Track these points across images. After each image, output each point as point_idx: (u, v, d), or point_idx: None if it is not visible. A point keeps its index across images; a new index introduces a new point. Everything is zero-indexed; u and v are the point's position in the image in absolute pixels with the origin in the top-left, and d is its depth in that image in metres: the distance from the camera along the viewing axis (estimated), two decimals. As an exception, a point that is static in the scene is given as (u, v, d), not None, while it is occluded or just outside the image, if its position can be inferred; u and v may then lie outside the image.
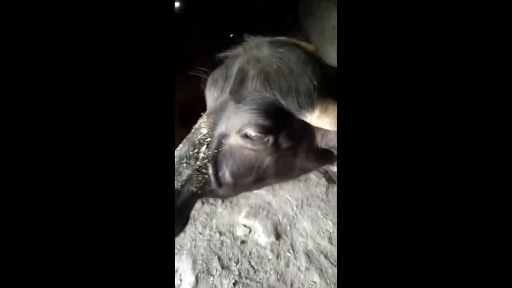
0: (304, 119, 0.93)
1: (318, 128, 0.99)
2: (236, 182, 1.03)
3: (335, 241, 2.18)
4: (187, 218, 1.10)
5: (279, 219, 2.31)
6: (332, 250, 2.15)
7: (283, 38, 1.00)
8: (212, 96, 1.04)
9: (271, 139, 0.94)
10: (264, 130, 0.92)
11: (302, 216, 2.32)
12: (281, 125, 0.93)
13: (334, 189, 2.45)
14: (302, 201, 2.40)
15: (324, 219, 2.31)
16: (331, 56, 0.97)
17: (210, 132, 1.00)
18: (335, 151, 1.04)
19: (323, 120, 0.91)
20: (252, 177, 1.03)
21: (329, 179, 2.50)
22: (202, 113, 1.05)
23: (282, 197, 2.38)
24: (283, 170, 1.07)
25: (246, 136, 0.94)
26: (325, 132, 1.00)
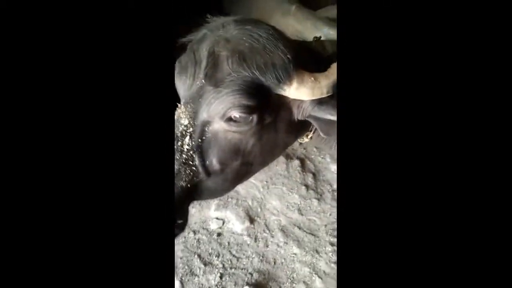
0: (283, 92, 0.96)
1: (293, 101, 1.04)
2: (224, 168, 1.02)
3: (304, 211, 2.31)
4: (185, 221, 1.05)
5: (249, 204, 2.33)
6: (303, 220, 2.27)
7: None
8: (184, 85, 0.99)
9: (255, 118, 0.95)
10: (249, 110, 0.93)
11: (270, 196, 2.39)
12: (262, 102, 0.95)
13: (293, 163, 2.57)
14: (267, 182, 2.46)
15: (290, 193, 2.41)
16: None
17: (191, 122, 0.97)
18: (310, 119, 1.09)
19: (300, 91, 0.96)
20: (239, 161, 1.03)
21: (286, 156, 2.61)
22: (177, 103, 0.99)
23: (248, 182, 2.40)
24: (266, 148, 1.09)
25: (230, 120, 0.94)
26: (300, 103, 1.05)
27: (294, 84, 0.94)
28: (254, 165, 1.10)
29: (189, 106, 0.97)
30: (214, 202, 2.29)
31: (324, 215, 2.28)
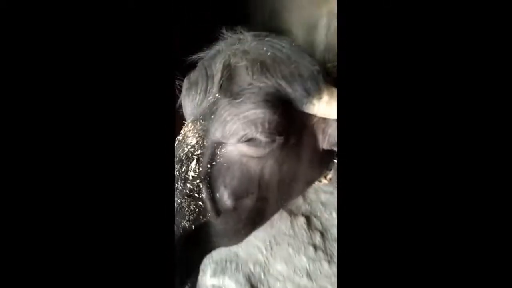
0: (311, 108, 0.83)
1: (318, 124, 0.91)
2: (237, 205, 0.82)
3: (314, 276, 1.99)
4: (195, 276, 0.82)
5: (250, 269, 2.00)
6: (314, 286, 1.94)
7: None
8: (193, 101, 0.86)
9: (281, 140, 0.79)
10: (276, 130, 0.77)
11: (274, 259, 2.08)
12: (290, 120, 0.80)
13: (298, 221, 2.32)
14: (270, 242, 2.17)
15: (296, 255, 2.11)
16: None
17: (200, 142, 0.80)
18: (335, 148, 0.95)
19: (332, 106, 0.82)
20: (254, 196, 0.84)
21: (290, 212, 2.37)
22: (184, 121, 0.84)
23: (249, 243, 2.11)
24: (286, 180, 0.90)
25: (250, 141, 0.78)
26: (325, 127, 0.92)
27: (325, 97, 0.81)
28: (269, 202, 0.90)
29: (198, 123, 0.80)
30: (210, 267, 1.96)
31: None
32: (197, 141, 0.79)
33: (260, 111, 0.75)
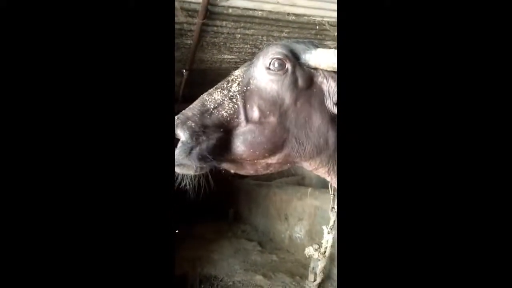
0: (310, 56, 1.14)
1: (323, 82, 1.16)
2: (262, 119, 1.09)
3: None
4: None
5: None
6: None
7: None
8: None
9: (289, 67, 1.12)
10: (284, 57, 1.12)
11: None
12: (294, 58, 1.14)
13: None
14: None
15: None
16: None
17: (241, 74, 1.18)
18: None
19: (326, 56, 1.09)
20: (276, 118, 1.10)
21: None
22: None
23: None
24: (301, 119, 1.13)
25: (268, 68, 1.13)
26: (329, 87, 1.15)
27: (319, 50, 1.14)
28: (289, 133, 1.12)
29: (244, 67, 1.23)
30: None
31: None
32: (239, 73, 1.20)
33: (277, 48, 1.16)
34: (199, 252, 4.29)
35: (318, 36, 3.68)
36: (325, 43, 3.90)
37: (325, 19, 3.27)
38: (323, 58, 1.12)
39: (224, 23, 3.06)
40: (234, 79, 1.18)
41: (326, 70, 1.15)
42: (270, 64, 1.13)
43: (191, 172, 1.07)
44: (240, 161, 1.14)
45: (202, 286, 3.34)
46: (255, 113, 1.10)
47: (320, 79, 1.17)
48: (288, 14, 3.06)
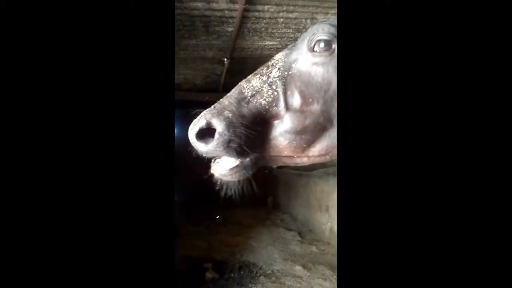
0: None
1: None
2: (303, 107, 1.00)
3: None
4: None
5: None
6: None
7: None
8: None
9: (335, 48, 1.01)
10: (331, 35, 1.01)
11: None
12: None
13: None
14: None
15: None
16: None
17: (282, 58, 1.08)
18: None
19: None
20: (320, 105, 1.00)
21: None
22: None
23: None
24: None
25: (313, 49, 1.03)
26: None
27: None
28: (332, 125, 1.03)
29: (287, 50, 1.12)
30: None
31: None
32: (280, 57, 1.10)
33: (321, 25, 1.05)
34: (237, 238, 4.36)
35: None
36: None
37: None
38: None
39: (266, 7, 2.95)
40: (274, 64, 1.08)
41: None
42: (314, 45, 1.02)
43: (231, 177, 1.01)
44: (278, 154, 1.06)
45: (242, 272, 3.39)
46: (296, 100, 1.00)
47: None
48: (334, -6, 2.85)
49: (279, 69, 1.06)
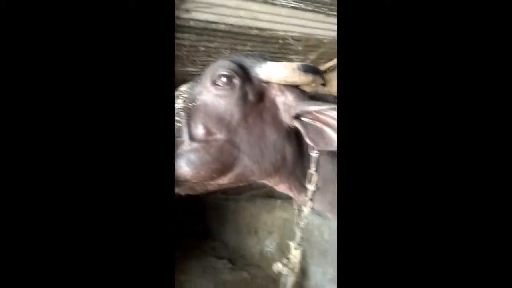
0: (260, 70, 1.09)
1: (277, 96, 1.11)
2: (207, 137, 1.02)
3: None
4: None
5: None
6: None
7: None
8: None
9: (237, 82, 1.06)
10: (231, 72, 1.06)
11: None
12: (243, 72, 1.09)
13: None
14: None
15: None
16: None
17: (187, 90, 1.11)
18: (297, 125, 1.06)
19: (274, 68, 1.06)
20: (223, 135, 1.03)
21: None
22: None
23: None
24: (254, 135, 1.06)
25: (215, 83, 1.07)
26: (285, 99, 1.09)
27: (269, 63, 1.08)
28: (240, 151, 1.05)
29: (192, 82, 1.16)
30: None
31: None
32: (185, 89, 1.13)
33: (223, 61, 1.12)
34: (165, 274, 4.03)
35: (282, 50, 3.75)
36: (289, 57, 4.00)
37: (288, 34, 3.34)
38: (274, 72, 1.08)
39: (186, 35, 3.01)
40: (179, 95, 1.11)
41: (281, 84, 1.10)
42: (217, 79, 1.07)
43: None
44: (186, 183, 1.06)
45: (168, 311, 3.12)
46: (199, 131, 1.03)
47: (274, 92, 1.11)
48: (251, 28, 3.08)
49: (184, 100, 1.09)
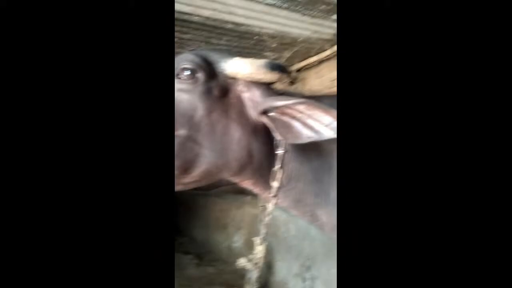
0: (225, 65, 1.07)
1: (243, 91, 1.09)
2: None
3: None
4: None
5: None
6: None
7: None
8: None
9: (200, 76, 1.04)
10: (194, 65, 1.03)
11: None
12: (207, 66, 1.06)
13: None
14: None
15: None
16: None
17: None
18: (265, 120, 1.05)
19: (239, 63, 1.05)
20: (186, 131, 1.00)
21: None
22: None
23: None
24: (217, 132, 1.04)
25: (178, 77, 1.04)
26: (252, 95, 1.08)
27: (235, 59, 1.07)
28: (203, 148, 1.02)
29: None
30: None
31: None
32: None
33: (187, 54, 1.08)
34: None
35: (257, 46, 3.75)
36: (264, 54, 4.00)
37: (264, 30, 3.34)
38: (240, 68, 1.06)
39: (158, 24, 2.91)
40: None
41: (248, 80, 1.08)
42: (179, 72, 1.03)
43: None
44: None
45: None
46: None
47: (240, 88, 1.09)
48: (226, 22, 3.04)
49: None
